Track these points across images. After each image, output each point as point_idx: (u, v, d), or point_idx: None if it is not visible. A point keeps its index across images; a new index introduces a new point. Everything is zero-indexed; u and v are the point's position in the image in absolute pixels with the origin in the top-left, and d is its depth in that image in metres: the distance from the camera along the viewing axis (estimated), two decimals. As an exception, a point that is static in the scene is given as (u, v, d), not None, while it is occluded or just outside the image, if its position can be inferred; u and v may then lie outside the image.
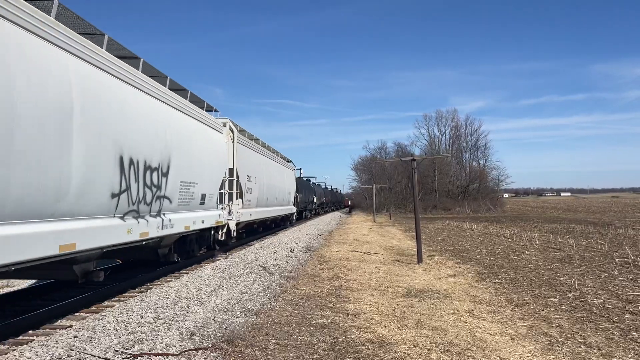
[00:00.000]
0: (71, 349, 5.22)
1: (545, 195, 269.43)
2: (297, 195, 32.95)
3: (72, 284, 10.58)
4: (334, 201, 73.63)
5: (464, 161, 79.48)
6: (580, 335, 6.58)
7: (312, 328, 6.85)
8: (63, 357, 5.01)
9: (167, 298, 7.93)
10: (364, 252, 16.37)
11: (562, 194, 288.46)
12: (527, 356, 5.69)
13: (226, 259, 13.49)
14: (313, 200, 46.92)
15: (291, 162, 32.13)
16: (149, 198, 9.44)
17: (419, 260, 13.82)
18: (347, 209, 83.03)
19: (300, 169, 41.32)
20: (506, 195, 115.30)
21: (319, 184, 62.53)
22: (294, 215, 31.87)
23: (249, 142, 19.66)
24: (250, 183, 18.72)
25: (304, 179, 47.06)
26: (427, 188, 70.48)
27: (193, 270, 11.91)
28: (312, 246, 18.67)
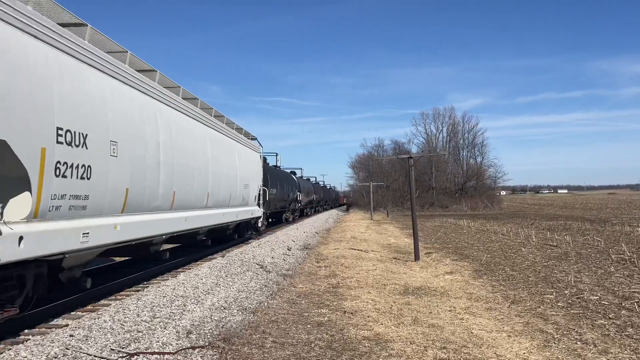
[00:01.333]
0: (67, 348, 5.20)
1: (542, 193, 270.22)
2: (264, 190, 21.92)
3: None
4: (327, 199, 67.48)
5: (461, 159, 79.66)
6: (577, 331, 6.59)
7: (309, 326, 6.85)
8: (59, 356, 5.00)
9: (164, 296, 7.92)
10: (361, 250, 16.37)
11: (559, 191, 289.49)
12: (524, 353, 5.70)
13: (223, 257, 13.47)
14: (297, 198, 36.65)
15: (256, 139, 21.56)
16: None
17: (416, 257, 13.83)
18: (344, 206, 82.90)
19: (277, 154, 29.78)
20: (503, 193, 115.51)
21: (307, 179, 52.72)
22: (261, 219, 21.36)
23: (85, 47, 7.92)
24: (77, 152, 7.28)
25: (286, 170, 37.87)
26: (425, 186, 70.53)
27: (190, 269, 11.89)
28: (310, 244, 18.66)
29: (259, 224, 21.47)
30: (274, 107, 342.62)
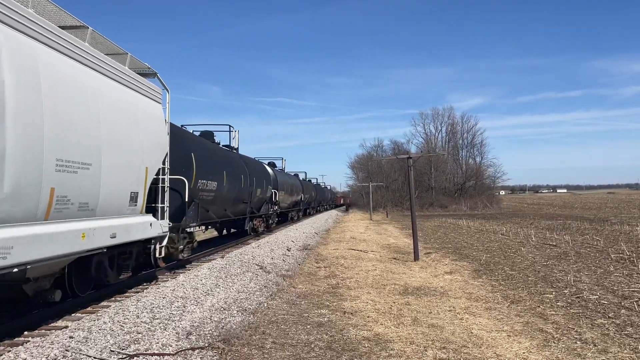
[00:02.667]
0: (67, 350, 5.20)
1: (542, 192, 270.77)
2: (180, 181, 11.74)
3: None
4: (320, 199, 58.17)
5: (461, 159, 79.88)
6: (576, 331, 6.60)
7: (308, 326, 6.85)
8: (59, 358, 4.99)
9: (164, 298, 7.91)
10: (360, 250, 16.37)
11: (558, 191, 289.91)
12: (523, 352, 5.70)
13: (222, 258, 13.47)
14: (272, 198, 25.53)
15: (155, 76, 10.57)
16: None
17: (416, 257, 13.84)
18: (343, 207, 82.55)
19: (231, 128, 19.98)
20: (502, 192, 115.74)
21: (295, 174, 42.60)
22: (164, 243, 10.47)
23: None
24: None
25: (263, 161, 28.56)
26: (424, 186, 70.61)
27: (189, 270, 11.89)
28: (309, 244, 18.66)
29: (161, 253, 10.51)
30: (274, 108, 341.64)
